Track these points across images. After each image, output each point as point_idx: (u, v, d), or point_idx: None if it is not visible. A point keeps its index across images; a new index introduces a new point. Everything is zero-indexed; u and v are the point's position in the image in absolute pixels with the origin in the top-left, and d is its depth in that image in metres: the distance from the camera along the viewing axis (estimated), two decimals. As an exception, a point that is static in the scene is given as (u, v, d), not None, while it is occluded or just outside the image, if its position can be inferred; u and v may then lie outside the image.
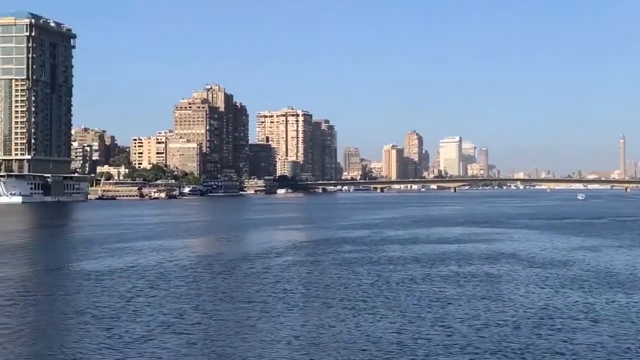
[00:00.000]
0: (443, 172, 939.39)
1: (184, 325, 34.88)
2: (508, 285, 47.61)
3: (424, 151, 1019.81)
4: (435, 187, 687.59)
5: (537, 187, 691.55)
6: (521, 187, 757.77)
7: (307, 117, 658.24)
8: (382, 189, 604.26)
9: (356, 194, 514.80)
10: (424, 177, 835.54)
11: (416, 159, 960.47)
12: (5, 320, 36.51)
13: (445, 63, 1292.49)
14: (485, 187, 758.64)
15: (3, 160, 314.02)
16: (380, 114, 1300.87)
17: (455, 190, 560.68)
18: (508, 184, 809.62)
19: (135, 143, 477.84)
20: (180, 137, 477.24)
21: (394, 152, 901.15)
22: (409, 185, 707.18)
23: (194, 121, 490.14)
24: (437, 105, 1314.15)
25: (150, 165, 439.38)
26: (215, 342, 31.75)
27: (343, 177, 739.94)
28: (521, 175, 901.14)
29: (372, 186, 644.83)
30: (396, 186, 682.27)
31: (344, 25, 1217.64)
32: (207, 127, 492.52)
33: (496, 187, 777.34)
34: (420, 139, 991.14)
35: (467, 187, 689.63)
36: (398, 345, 30.84)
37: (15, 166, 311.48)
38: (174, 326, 34.74)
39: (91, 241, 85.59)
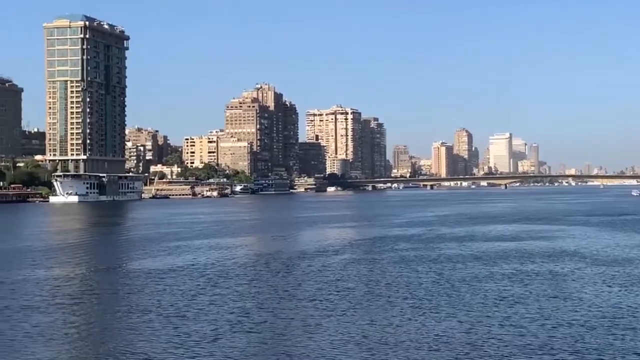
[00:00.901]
0: (493, 169, 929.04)
1: (251, 324, 34.79)
2: (575, 284, 46.57)
3: (473, 148, 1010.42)
4: (486, 184, 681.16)
5: (589, 183, 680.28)
6: (573, 183, 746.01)
7: (356, 115, 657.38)
8: (431, 186, 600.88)
9: (406, 191, 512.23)
10: (474, 174, 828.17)
11: (466, 156, 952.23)
12: (73, 319, 36.90)
13: (493, 59, 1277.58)
14: (536, 184, 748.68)
15: (60, 160, 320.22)
16: (429, 111, 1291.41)
17: (506, 187, 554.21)
18: (559, 181, 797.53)
19: (187, 142, 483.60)
20: (231, 136, 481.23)
21: (443, 149, 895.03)
22: (458, 183, 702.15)
23: (244, 120, 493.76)
24: (487, 101, 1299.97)
25: (202, 164, 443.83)
26: (285, 341, 31.57)
27: (392, 175, 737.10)
28: (573, 172, 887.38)
29: (421, 183, 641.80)
30: (446, 183, 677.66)
31: (393, 24, 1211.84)
32: (258, 126, 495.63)
33: (547, 184, 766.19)
34: (469, 136, 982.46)
35: (517, 184, 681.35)
36: (471, 346, 30.22)
37: (71, 166, 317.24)
38: (241, 325, 34.67)
39: (149, 239, 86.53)
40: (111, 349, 30.68)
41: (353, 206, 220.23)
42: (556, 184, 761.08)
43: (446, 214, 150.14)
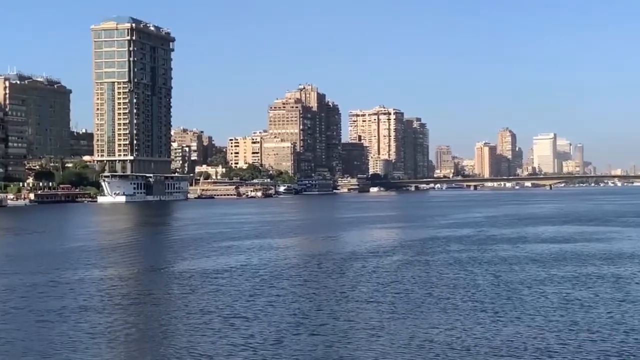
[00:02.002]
0: (537, 170, 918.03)
1: (312, 326, 34.49)
2: (640, 287, 45.46)
3: (517, 148, 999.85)
4: (530, 185, 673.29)
5: (635, 183, 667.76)
6: (619, 184, 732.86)
7: (399, 115, 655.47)
8: (475, 187, 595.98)
9: (449, 192, 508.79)
10: (518, 175, 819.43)
11: (509, 156, 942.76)
12: (132, 320, 37.10)
13: (537, 58, 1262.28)
14: (581, 184, 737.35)
15: (107, 161, 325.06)
16: (472, 112, 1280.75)
17: (550, 188, 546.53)
18: (605, 181, 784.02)
19: (231, 143, 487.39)
20: (275, 137, 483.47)
21: (486, 149, 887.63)
22: (502, 183, 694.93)
23: (287, 121, 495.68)
24: (531, 101, 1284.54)
25: (246, 165, 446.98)
26: (350, 344, 31.13)
27: (435, 175, 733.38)
28: (619, 172, 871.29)
29: (464, 184, 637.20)
30: (489, 184, 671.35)
31: (436, 23, 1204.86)
32: (301, 127, 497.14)
33: (593, 185, 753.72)
34: (513, 136, 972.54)
35: (562, 185, 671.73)
36: (547, 353, 29.30)
37: (118, 166, 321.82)
38: (303, 327, 34.39)
39: (200, 239, 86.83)
40: (175, 350, 30.63)
41: (398, 207, 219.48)
42: (602, 185, 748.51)
43: (494, 214, 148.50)
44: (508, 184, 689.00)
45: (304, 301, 41.39)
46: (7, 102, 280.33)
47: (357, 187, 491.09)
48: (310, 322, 35.32)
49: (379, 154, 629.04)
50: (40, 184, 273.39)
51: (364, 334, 32.86)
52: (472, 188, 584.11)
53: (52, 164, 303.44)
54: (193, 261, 63.00)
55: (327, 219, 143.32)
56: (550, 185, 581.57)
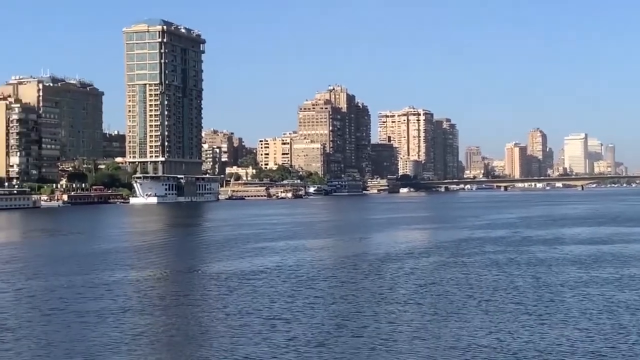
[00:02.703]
0: (568, 170, 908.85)
1: (354, 328, 34.21)
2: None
3: (547, 149, 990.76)
4: (561, 185, 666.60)
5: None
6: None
7: (428, 116, 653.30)
8: (505, 188, 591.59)
9: (479, 192, 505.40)
10: (548, 175, 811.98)
11: (540, 157, 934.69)
12: (172, 321, 37.14)
13: (567, 58, 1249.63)
14: (613, 185, 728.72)
15: (139, 162, 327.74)
16: (502, 112, 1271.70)
17: (582, 189, 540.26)
18: (637, 182, 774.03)
19: (261, 144, 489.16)
20: (305, 138, 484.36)
21: (516, 150, 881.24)
22: (532, 184, 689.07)
23: (317, 122, 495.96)
24: (561, 101, 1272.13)
25: (276, 166, 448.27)
26: (394, 346, 30.89)
27: (465, 176, 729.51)
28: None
29: (494, 185, 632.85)
30: (520, 184, 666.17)
31: (466, 24, 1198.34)
32: (330, 128, 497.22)
33: (625, 185, 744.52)
34: (544, 136, 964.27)
35: (594, 185, 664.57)
36: (597, 357, 28.85)
37: (150, 168, 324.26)
38: (344, 329, 34.11)
39: (235, 240, 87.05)
40: (217, 352, 30.52)
41: (429, 207, 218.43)
42: (634, 185, 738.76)
43: (527, 215, 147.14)
44: (539, 185, 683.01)
45: (343, 303, 41.18)
46: (41, 104, 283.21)
47: (386, 188, 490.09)
48: (352, 324, 35.07)
49: (408, 154, 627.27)
50: (73, 185, 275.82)
51: (407, 336, 32.57)
52: (502, 189, 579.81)
53: (84, 166, 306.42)
54: (229, 262, 63.07)
55: (359, 220, 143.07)
56: (581, 185, 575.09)
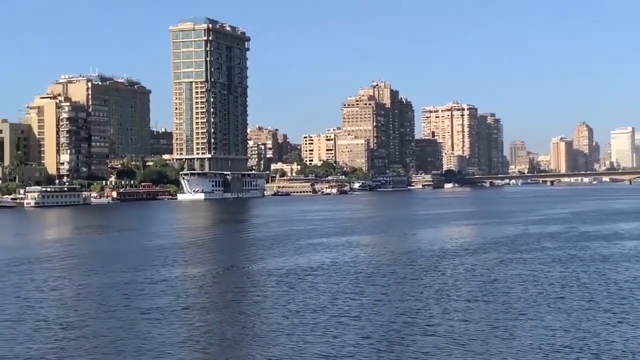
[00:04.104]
0: (615, 164, 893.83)
1: (429, 327, 33.63)
2: None
3: (594, 143, 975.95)
4: (608, 180, 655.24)
5: None
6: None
7: (473, 111, 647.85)
8: (551, 183, 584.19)
9: (525, 187, 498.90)
10: (595, 170, 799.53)
11: (586, 151, 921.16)
12: (237, 319, 37.01)
13: (613, 52, 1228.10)
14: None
15: (186, 159, 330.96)
16: (547, 106, 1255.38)
17: (630, 183, 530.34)
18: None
19: (305, 140, 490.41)
20: (349, 134, 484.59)
21: (562, 144, 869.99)
22: (579, 178, 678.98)
23: (361, 118, 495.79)
24: (608, 94, 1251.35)
25: (321, 162, 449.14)
26: (476, 346, 30.24)
27: (509, 171, 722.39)
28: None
29: (540, 179, 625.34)
30: (566, 179, 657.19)
31: (507, 19, 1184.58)
32: (374, 124, 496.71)
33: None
34: (590, 130, 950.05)
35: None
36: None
37: (196, 164, 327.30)
38: (417, 327, 33.63)
39: (286, 237, 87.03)
40: (289, 350, 30.26)
41: (476, 202, 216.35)
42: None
43: (579, 210, 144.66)
44: (585, 179, 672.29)
45: (409, 300, 40.70)
46: (90, 103, 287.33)
47: (431, 183, 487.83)
48: (421, 322, 34.64)
49: (452, 150, 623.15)
50: (122, 182, 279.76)
51: (482, 335, 32.02)
52: (548, 183, 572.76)
53: (133, 163, 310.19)
54: (285, 258, 63.12)
55: (407, 216, 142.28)
56: (629, 180, 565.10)
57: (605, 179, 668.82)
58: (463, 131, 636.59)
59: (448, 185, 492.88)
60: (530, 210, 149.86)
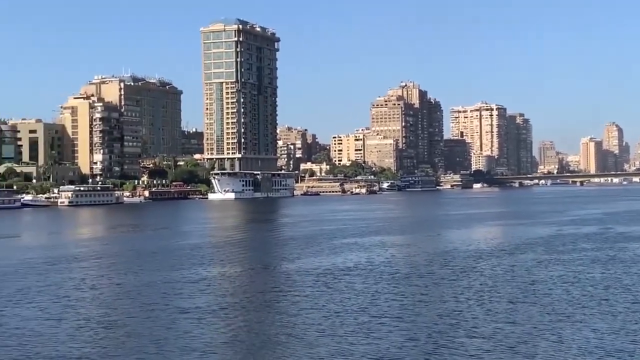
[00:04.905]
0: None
1: (473, 329, 33.35)
2: None
3: (624, 143, 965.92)
4: (638, 180, 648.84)
5: None
6: None
7: (501, 111, 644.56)
8: (581, 183, 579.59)
9: (554, 187, 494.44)
10: (625, 170, 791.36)
11: (616, 151, 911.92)
12: (277, 319, 37.18)
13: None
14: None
15: (216, 159, 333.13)
16: (576, 106, 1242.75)
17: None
18: None
19: (334, 140, 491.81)
20: (377, 134, 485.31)
21: (592, 144, 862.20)
22: (609, 179, 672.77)
23: (390, 118, 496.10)
24: (638, 94, 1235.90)
25: (349, 162, 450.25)
26: (525, 348, 29.95)
27: (538, 171, 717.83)
28: None
29: (570, 180, 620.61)
30: (595, 180, 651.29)
31: (537, 18, 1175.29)
32: (403, 124, 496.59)
33: None
34: (620, 131, 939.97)
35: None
36: None
37: (227, 164, 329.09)
38: (461, 329, 33.42)
39: (319, 236, 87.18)
40: (333, 351, 30.18)
41: (506, 203, 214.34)
42: None
43: (612, 211, 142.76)
44: (615, 180, 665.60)
45: (449, 301, 40.50)
46: (123, 103, 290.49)
47: (460, 183, 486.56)
48: (465, 324, 34.47)
49: (481, 150, 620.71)
50: (154, 181, 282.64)
51: (530, 337, 31.68)
52: (578, 184, 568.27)
53: (164, 163, 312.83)
54: (319, 258, 63.08)
55: (438, 216, 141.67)
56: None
57: (636, 179, 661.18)
58: (492, 131, 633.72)
59: (477, 186, 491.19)
60: (562, 210, 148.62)
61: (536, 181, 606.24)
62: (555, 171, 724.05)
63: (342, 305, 39.55)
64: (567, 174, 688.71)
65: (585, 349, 29.76)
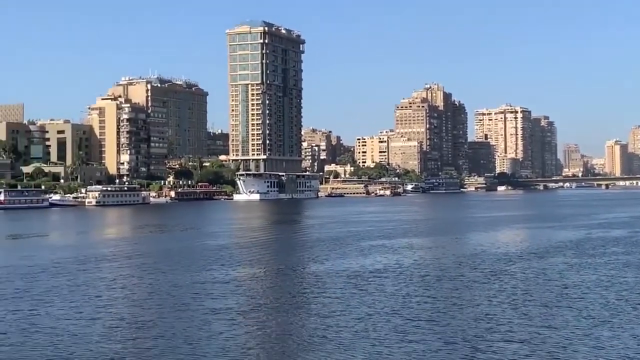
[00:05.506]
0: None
1: (510, 332, 33.14)
2: None
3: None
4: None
5: None
6: None
7: (526, 113, 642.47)
8: (606, 186, 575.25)
9: (579, 190, 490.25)
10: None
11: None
12: (310, 321, 37.03)
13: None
14: None
15: (242, 160, 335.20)
16: (601, 109, 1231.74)
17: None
18: None
19: (359, 142, 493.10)
20: (401, 136, 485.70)
21: (617, 147, 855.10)
22: (634, 182, 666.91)
23: (414, 120, 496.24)
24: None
25: (374, 164, 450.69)
26: (566, 355, 29.66)
27: (563, 174, 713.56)
28: None
29: (595, 183, 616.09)
30: (620, 183, 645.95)
31: (561, 22, 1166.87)
32: (427, 126, 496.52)
33: None
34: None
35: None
36: None
37: (252, 165, 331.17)
38: (497, 332, 33.32)
39: (347, 237, 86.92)
40: (369, 354, 30.06)
41: (532, 205, 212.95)
42: None
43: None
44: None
45: (483, 304, 40.26)
46: (150, 104, 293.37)
47: (484, 185, 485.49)
48: (502, 327, 34.24)
49: (505, 152, 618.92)
50: (180, 182, 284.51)
51: (566, 342, 31.49)
52: (603, 187, 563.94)
53: (190, 163, 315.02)
54: (348, 259, 62.99)
55: (464, 218, 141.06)
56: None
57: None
58: (516, 134, 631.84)
59: (501, 188, 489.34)
60: (589, 213, 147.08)
61: (561, 184, 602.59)
62: (580, 174, 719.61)
63: (374, 308, 39.44)
64: (592, 177, 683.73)
65: (625, 355, 29.42)
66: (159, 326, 35.92)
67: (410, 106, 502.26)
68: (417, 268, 56.85)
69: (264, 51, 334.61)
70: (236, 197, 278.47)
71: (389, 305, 40.02)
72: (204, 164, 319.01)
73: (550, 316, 36.79)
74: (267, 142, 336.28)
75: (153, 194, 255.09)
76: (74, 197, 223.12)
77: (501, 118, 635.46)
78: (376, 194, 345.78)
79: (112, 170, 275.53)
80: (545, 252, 68.12)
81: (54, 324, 36.76)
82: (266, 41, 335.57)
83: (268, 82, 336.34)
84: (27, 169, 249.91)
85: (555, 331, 33.37)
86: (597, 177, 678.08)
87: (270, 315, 38.34)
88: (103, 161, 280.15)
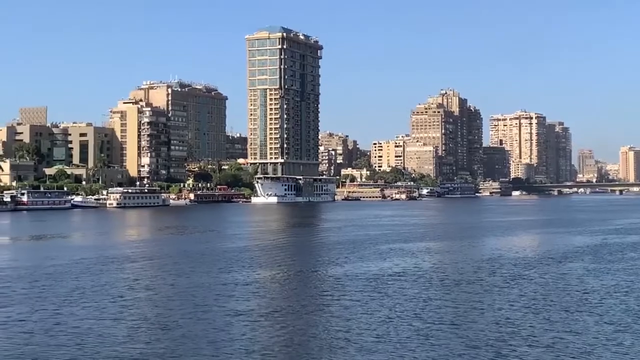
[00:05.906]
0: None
1: (539, 338, 33.31)
2: None
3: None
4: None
5: None
6: None
7: (541, 119, 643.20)
8: (620, 192, 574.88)
9: (593, 196, 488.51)
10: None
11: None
12: (332, 324, 37.33)
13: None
14: None
15: (260, 163, 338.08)
16: (616, 115, 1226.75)
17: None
18: None
19: (375, 147, 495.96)
20: (417, 141, 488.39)
21: (631, 153, 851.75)
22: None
23: (430, 125, 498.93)
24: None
25: (389, 168, 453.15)
26: (597, 359, 29.92)
27: (577, 180, 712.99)
28: None
29: (609, 188, 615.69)
30: (635, 189, 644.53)
31: (575, 29, 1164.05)
32: (443, 131, 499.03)
33: None
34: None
35: None
36: None
37: (270, 169, 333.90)
38: (520, 337, 33.44)
39: (364, 241, 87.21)
40: (391, 357, 30.25)
41: (547, 210, 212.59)
42: None
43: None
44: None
45: (504, 308, 40.39)
46: (170, 108, 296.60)
47: (498, 190, 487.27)
48: (524, 332, 34.51)
49: (520, 158, 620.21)
50: (199, 184, 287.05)
51: (590, 347, 31.69)
52: (617, 192, 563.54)
53: (209, 166, 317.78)
54: (367, 263, 63.24)
55: (480, 222, 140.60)
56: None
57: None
58: (531, 139, 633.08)
59: (515, 193, 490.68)
60: (604, 219, 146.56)
61: (575, 189, 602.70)
62: (594, 180, 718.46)
63: (395, 311, 39.65)
64: (607, 183, 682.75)
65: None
66: (182, 327, 36.18)
67: (426, 111, 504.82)
68: (435, 272, 57.06)
69: (282, 56, 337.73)
70: (254, 199, 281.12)
71: (410, 309, 40.23)
72: (222, 167, 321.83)
73: (571, 321, 36.90)
74: (285, 145, 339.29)
75: (173, 196, 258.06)
76: (95, 199, 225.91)
77: (516, 124, 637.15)
78: (392, 198, 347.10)
79: (133, 172, 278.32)
80: (563, 257, 68.28)
81: (78, 323, 37.11)
82: (284, 47, 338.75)
83: (286, 86, 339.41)
84: (49, 171, 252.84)
85: (577, 336, 33.47)
86: (611, 183, 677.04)
87: (292, 318, 38.56)
88: (124, 164, 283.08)
